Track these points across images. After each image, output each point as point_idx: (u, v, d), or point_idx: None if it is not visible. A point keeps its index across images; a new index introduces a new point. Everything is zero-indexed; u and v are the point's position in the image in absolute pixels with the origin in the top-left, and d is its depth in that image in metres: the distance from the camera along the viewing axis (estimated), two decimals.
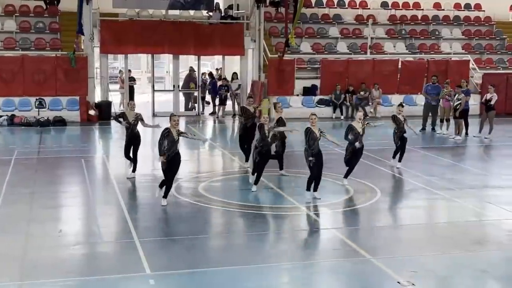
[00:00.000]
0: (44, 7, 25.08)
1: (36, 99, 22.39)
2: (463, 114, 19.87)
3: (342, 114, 24.89)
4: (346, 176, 13.17)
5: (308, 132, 11.69)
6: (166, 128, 11.36)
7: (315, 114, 11.91)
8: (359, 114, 13.29)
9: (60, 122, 21.90)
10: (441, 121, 20.88)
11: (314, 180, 11.89)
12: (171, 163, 11.31)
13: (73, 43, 22.70)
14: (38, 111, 22.21)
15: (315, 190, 11.95)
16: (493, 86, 20.73)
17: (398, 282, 8.04)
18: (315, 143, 11.65)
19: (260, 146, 12.47)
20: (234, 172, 14.98)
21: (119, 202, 11.86)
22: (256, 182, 12.57)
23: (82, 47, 23.56)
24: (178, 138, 11.39)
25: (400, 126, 14.69)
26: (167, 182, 11.46)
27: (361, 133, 12.93)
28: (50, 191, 12.75)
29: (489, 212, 11.82)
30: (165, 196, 11.53)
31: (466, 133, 20.26)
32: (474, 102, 24.14)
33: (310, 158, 11.64)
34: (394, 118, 14.84)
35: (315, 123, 11.84)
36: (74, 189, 13.28)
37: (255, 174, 12.68)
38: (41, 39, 24.26)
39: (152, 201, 11.96)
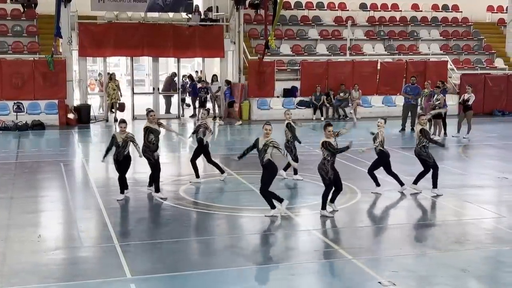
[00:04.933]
0: (22, 10, 24.90)
1: (14, 103, 22.22)
2: (441, 114, 20.04)
3: (322, 116, 24.99)
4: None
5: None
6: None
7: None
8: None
9: (38, 126, 21.73)
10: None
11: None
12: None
13: (51, 46, 22.56)
14: (16, 115, 22.03)
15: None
16: (470, 87, 20.95)
17: (379, 282, 8.07)
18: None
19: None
20: (215, 174, 14.94)
21: (99, 206, 11.77)
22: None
23: (60, 50, 23.40)
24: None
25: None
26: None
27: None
28: (29, 196, 12.63)
29: (469, 211, 11.94)
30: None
31: (445, 133, 20.45)
32: (452, 102, 24.41)
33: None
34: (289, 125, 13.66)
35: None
36: (53, 193, 13.16)
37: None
38: (19, 42, 24.07)
39: (133, 205, 11.90)
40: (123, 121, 11.97)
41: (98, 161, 16.89)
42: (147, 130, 12.18)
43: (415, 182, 12.90)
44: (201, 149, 13.56)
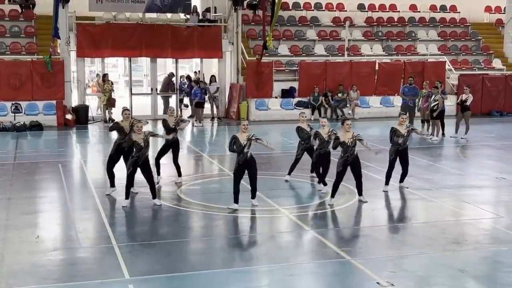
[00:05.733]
0: (20, 11, 24.87)
1: (12, 104, 22.19)
2: (439, 115, 20.05)
3: (320, 116, 24.98)
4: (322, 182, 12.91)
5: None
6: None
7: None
8: (323, 120, 13.01)
9: (36, 127, 21.70)
10: (422, 122, 21.01)
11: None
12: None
13: (49, 47, 22.53)
14: (14, 116, 21.99)
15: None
16: (468, 87, 20.96)
17: (378, 283, 8.08)
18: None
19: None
20: (213, 175, 14.95)
21: (97, 207, 11.77)
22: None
23: (58, 51, 23.38)
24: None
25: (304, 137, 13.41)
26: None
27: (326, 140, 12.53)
28: (27, 197, 12.62)
29: (467, 211, 11.94)
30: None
31: (443, 134, 20.46)
32: (450, 103, 24.41)
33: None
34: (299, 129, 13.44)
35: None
36: (51, 194, 13.15)
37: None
38: (17, 43, 24.03)
39: (130, 206, 11.88)
40: (139, 121, 11.96)
41: (97, 161, 16.97)
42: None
43: (401, 181, 13.31)
44: (175, 146, 13.50)
